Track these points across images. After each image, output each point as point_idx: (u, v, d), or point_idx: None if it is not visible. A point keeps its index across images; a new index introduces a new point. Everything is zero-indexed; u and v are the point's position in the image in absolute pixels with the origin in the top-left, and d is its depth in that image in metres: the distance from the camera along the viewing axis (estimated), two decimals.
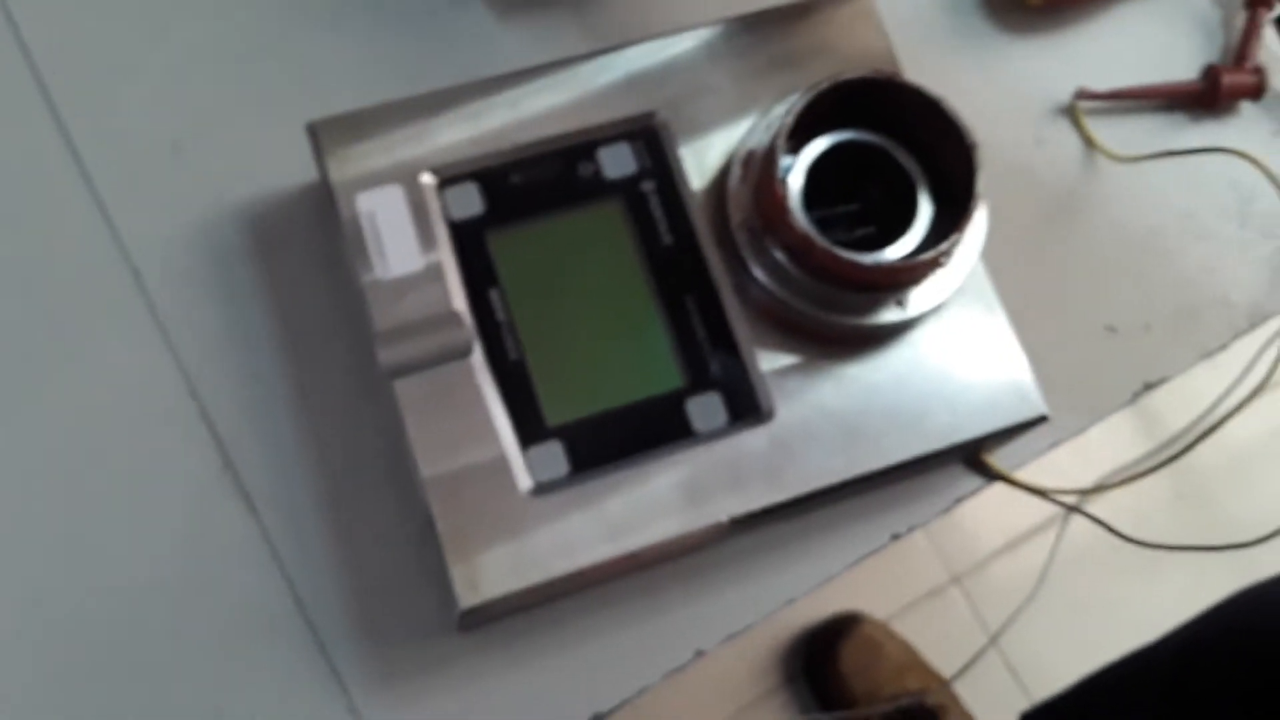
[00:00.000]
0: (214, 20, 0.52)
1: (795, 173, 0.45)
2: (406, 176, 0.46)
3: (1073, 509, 0.54)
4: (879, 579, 1.09)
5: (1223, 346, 0.54)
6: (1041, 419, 0.47)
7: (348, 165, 0.46)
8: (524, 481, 0.43)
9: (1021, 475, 0.51)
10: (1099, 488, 0.52)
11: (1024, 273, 0.51)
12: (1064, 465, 0.52)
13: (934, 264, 0.44)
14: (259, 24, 0.52)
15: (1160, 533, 0.52)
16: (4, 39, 0.50)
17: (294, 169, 0.49)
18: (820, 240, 0.43)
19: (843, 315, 0.45)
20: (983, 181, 0.44)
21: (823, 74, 0.46)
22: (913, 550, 1.05)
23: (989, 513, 1.06)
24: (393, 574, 0.46)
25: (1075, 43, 0.58)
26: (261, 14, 0.52)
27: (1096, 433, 0.52)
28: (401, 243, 0.45)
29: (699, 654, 0.46)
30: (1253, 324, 0.55)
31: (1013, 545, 1.08)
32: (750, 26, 0.50)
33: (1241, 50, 0.58)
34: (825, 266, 0.43)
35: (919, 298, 0.45)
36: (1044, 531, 1.08)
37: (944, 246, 0.43)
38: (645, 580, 0.46)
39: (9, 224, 0.48)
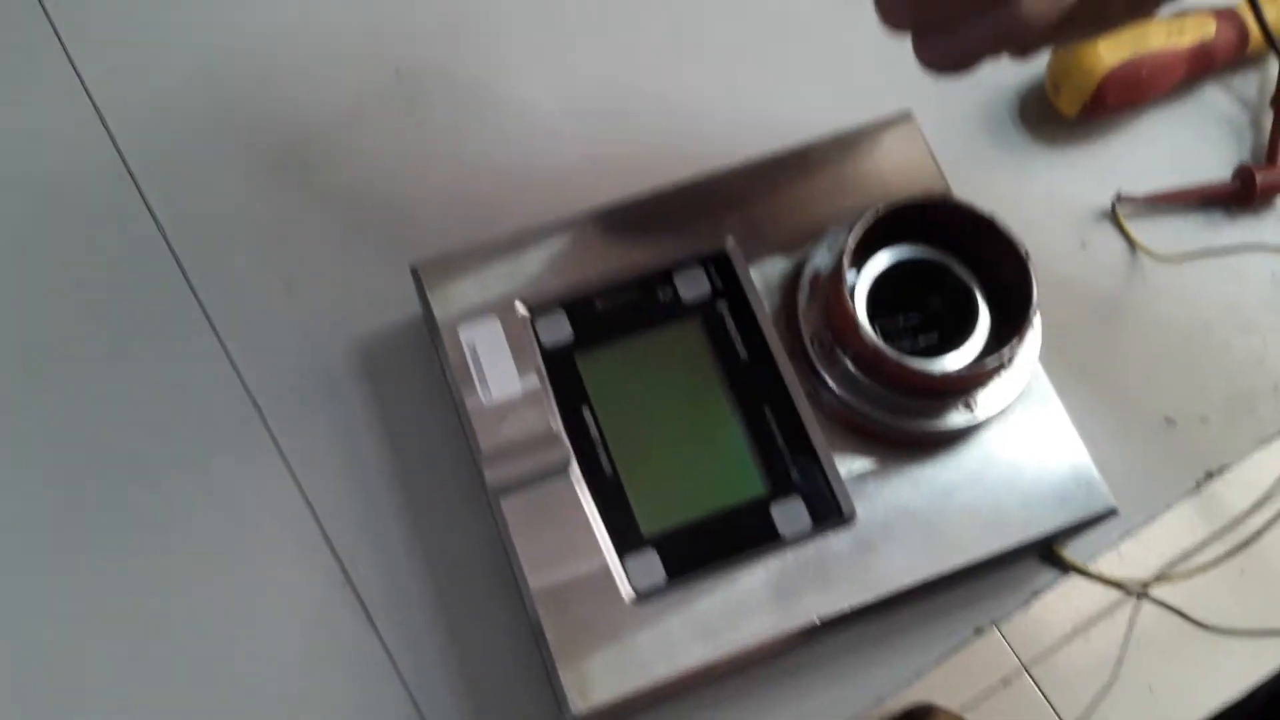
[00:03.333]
0: (316, 174, 0.57)
1: (860, 288, 0.49)
2: (502, 308, 0.50)
3: (1144, 596, 0.55)
4: (949, 668, 1.09)
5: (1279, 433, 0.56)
6: (1111, 512, 0.49)
7: (449, 301, 0.50)
8: (625, 590, 0.46)
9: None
10: (1170, 576, 0.53)
11: (1082, 372, 0.54)
12: (1126, 548, 0.53)
13: (997, 369, 0.47)
14: (355, 176, 0.57)
15: (1227, 608, 0.53)
16: (133, 200, 0.56)
17: (396, 304, 0.54)
18: (890, 352, 0.46)
19: (914, 420, 0.48)
20: (1037, 290, 0.47)
21: (877, 195, 0.50)
22: (981, 639, 1.05)
23: (1054, 599, 1.06)
24: (504, 680, 0.48)
25: (1111, 150, 0.61)
26: (357, 167, 0.57)
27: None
28: (501, 369, 0.49)
29: None
30: None
31: (1080, 630, 1.08)
32: (805, 155, 0.54)
33: (1271, 149, 0.61)
34: (895, 376, 0.46)
35: (985, 401, 0.48)
36: (1109, 616, 1.08)
37: (1006, 353, 0.46)
38: (743, 682, 0.49)
39: (141, 369, 0.53)
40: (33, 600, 0.49)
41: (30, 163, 0.56)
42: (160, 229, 0.55)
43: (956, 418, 0.48)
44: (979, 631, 0.51)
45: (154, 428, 0.52)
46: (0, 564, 0.49)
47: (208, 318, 0.54)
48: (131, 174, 0.56)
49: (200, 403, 0.52)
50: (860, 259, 0.49)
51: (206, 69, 0.58)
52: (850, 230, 0.48)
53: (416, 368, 0.53)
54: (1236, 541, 0.54)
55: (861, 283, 0.49)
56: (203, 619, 0.49)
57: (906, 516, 0.47)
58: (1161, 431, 0.55)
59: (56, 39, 0.58)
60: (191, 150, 0.57)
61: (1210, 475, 0.54)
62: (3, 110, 0.57)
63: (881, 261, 0.50)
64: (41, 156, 0.56)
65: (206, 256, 0.55)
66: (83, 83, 0.58)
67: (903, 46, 0.54)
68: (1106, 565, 0.53)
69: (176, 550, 0.50)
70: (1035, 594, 0.52)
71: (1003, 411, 0.49)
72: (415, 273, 0.51)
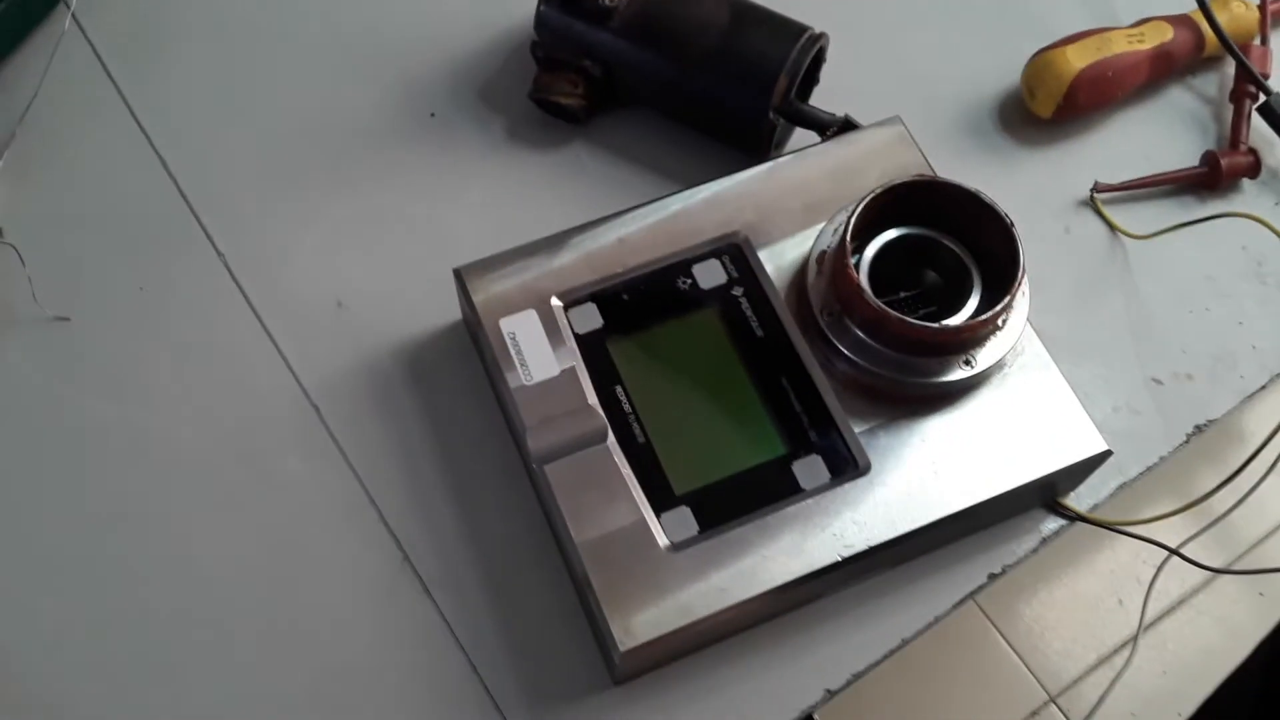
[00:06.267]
0: (359, 199, 0.63)
1: (863, 265, 0.54)
2: (538, 302, 0.55)
3: (1173, 551, 0.57)
4: (979, 703, 1.11)
5: (1262, 388, 0.60)
6: (1106, 454, 0.53)
7: (489, 298, 0.55)
8: (661, 541, 0.50)
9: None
10: (1168, 514, 0.57)
11: (1071, 341, 0.58)
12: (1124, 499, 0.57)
13: (992, 324, 0.52)
14: (395, 198, 0.63)
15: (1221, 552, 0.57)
16: (197, 236, 0.61)
17: (437, 312, 0.59)
18: (893, 312, 0.50)
19: (918, 377, 0.52)
20: (1024, 254, 0.52)
21: (873, 186, 0.55)
22: (1008, 674, 1.08)
23: (1074, 631, 1.10)
24: (553, 640, 0.52)
25: (1086, 146, 0.66)
26: (396, 188, 0.63)
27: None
28: (539, 354, 0.54)
29: (829, 694, 0.52)
30: None
31: (1104, 660, 1.11)
32: (806, 156, 0.60)
33: (1234, 136, 0.67)
34: (899, 334, 0.51)
35: (983, 356, 0.52)
36: (1129, 645, 1.11)
37: (999, 308, 0.51)
38: (774, 630, 0.52)
39: (213, 382, 0.58)
40: (116, 579, 0.53)
41: (100, 198, 0.62)
42: (226, 264, 0.61)
43: (957, 373, 0.52)
44: (993, 577, 0.54)
45: (228, 434, 0.57)
46: (88, 548, 0.54)
47: (269, 335, 0.59)
48: (192, 209, 0.62)
49: (266, 410, 0.57)
50: (861, 239, 0.54)
51: (255, 108, 0.65)
52: (852, 210, 0.53)
53: (457, 365, 0.58)
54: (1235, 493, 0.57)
55: (863, 261, 0.54)
56: (276, 599, 0.53)
57: (917, 465, 0.52)
58: (1150, 390, 0.59)
59: (121, 99, 0.65)
60: (243, 181, 0.63)
61: (1199, 429, 0.58)
62: (79, 157, 0.63)
63: (881, 240, 0.55)
64: (111, 193, 0.62)
65: (264, 282, 0.60)
66: (143, 130, 0.64)
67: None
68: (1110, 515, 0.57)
69: (250, 538, 0.54)
70: (1044, 540, 0.55)
71: (1000, 367, 0.53)
72: (458, 275, 0.56)
